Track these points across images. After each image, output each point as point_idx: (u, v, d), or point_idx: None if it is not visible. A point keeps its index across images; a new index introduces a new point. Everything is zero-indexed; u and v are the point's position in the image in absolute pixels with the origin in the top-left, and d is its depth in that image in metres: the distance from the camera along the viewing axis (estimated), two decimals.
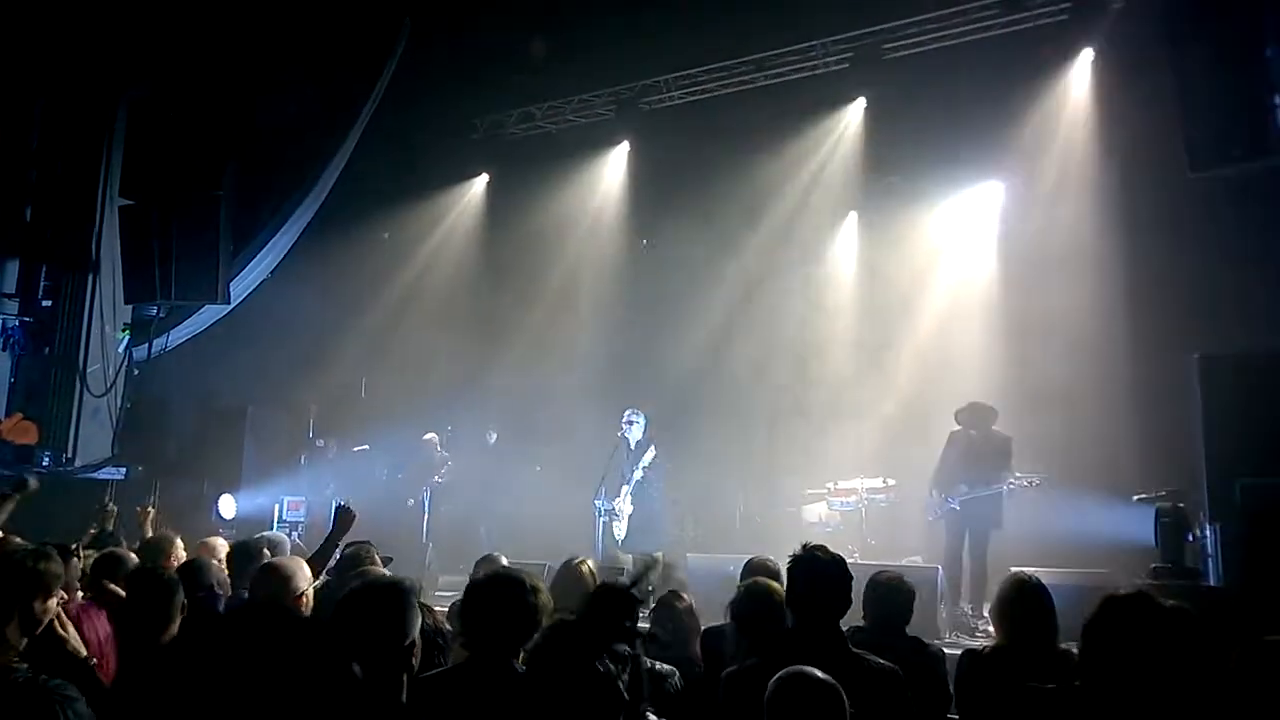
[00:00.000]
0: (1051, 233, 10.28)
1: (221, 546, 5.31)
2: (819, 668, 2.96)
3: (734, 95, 12.23)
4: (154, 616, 3.29)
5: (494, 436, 11.64)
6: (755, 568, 4.37)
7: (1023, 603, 3.64)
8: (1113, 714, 2.66)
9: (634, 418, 9.51)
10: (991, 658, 3.65)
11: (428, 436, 11.34)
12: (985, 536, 8.27)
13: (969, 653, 3.88)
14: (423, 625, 2.97)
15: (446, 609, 4.41)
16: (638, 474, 9.19)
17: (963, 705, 3.55)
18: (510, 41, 12.01)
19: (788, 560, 3.24)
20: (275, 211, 10.96)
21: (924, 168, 11.35)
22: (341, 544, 4.88)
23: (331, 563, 4.78)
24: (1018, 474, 8.33)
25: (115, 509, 7.45)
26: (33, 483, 5.40)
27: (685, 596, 4.41)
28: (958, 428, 8.84)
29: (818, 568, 3.16)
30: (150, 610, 3.30)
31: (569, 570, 4.55)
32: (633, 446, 9.44)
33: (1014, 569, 4.38)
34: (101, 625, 3.36)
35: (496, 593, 2.88)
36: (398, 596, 2.88)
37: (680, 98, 12.55)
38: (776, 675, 2.51)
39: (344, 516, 5.04)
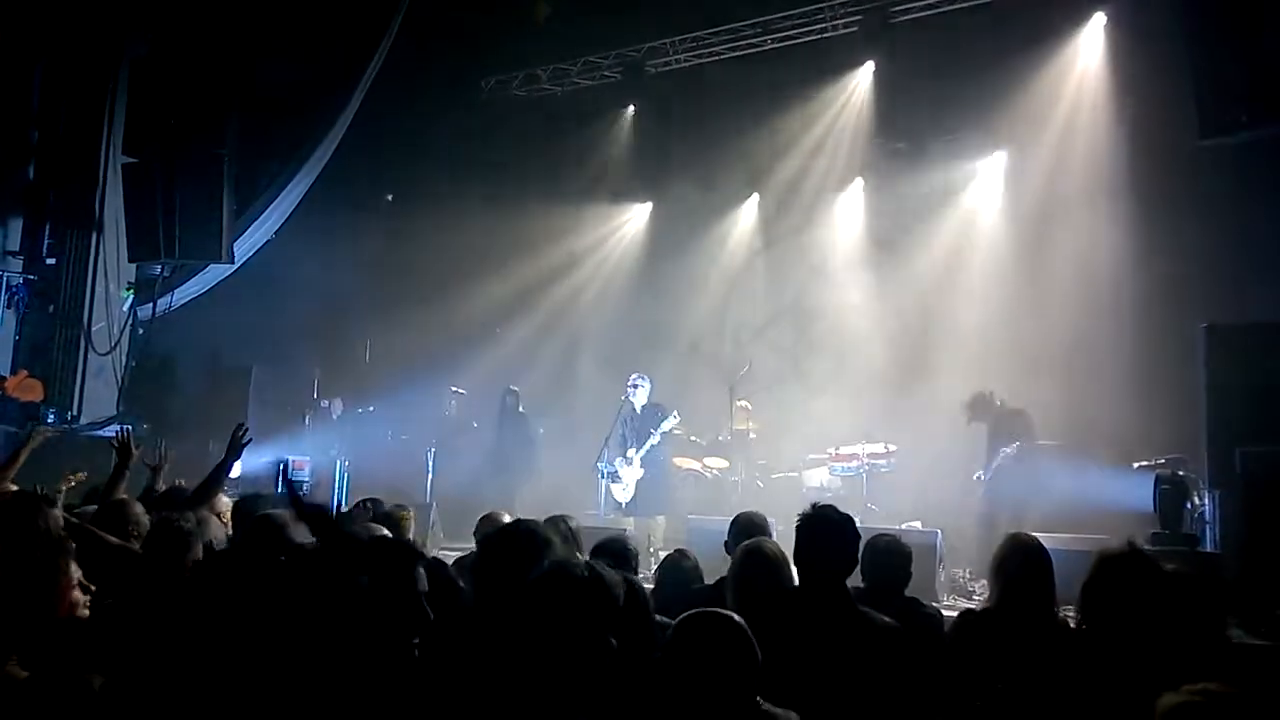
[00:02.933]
0: (1057, 200, 10.25)
1: (224, 504, 5.34)
2: (825, 625, 3.01)
3: (741, 59, 12.13)
4: (169, 566, 3.34)
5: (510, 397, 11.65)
6: (744, 523, 4.39)
7: (1019, 562, 3.63)
8: (1114, 667, 2.71)
9: (639, 382, 9.54)
10: (986, 617, 3.67)
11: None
12: (1015, 508, 8.38)
13: (966, 612, 3.91)
14: (439, 578, 3.02)
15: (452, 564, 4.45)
16: (655, 438, 9.24)
17: (955, 662, 3.58)
18: (515, 2, 11.89)
19: (796, 519, 3.27)
20: (279, 171, 10.91)
21: (931, 133, 11.28)
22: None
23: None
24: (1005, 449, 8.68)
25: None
26: (47, 432, 5.44)
27: (690, 555, 4.43)
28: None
29: (827, 526, 3.19)
30: (164, 560, 3.35)
31: (552, 526, 4.56)
32: (637, 410, 9.47)
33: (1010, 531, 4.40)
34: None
35: (511, 546, 2.90)
36: (406, 552, 2.90)
37: (686, 60, 12.44)
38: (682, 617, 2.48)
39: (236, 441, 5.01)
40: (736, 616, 2.43)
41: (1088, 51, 10.35)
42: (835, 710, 2.75)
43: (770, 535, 4.20)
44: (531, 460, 11.10)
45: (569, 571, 2.45)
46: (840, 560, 3.19)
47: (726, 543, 4.26)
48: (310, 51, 11.06)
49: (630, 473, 9.36)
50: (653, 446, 9.28)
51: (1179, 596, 3.17)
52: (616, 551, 3.91)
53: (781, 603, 3.21)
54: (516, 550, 2.79)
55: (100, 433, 10.13)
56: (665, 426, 9.29)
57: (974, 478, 9.14)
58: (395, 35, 10.97)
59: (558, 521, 4.19)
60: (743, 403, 10.93)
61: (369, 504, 5.09)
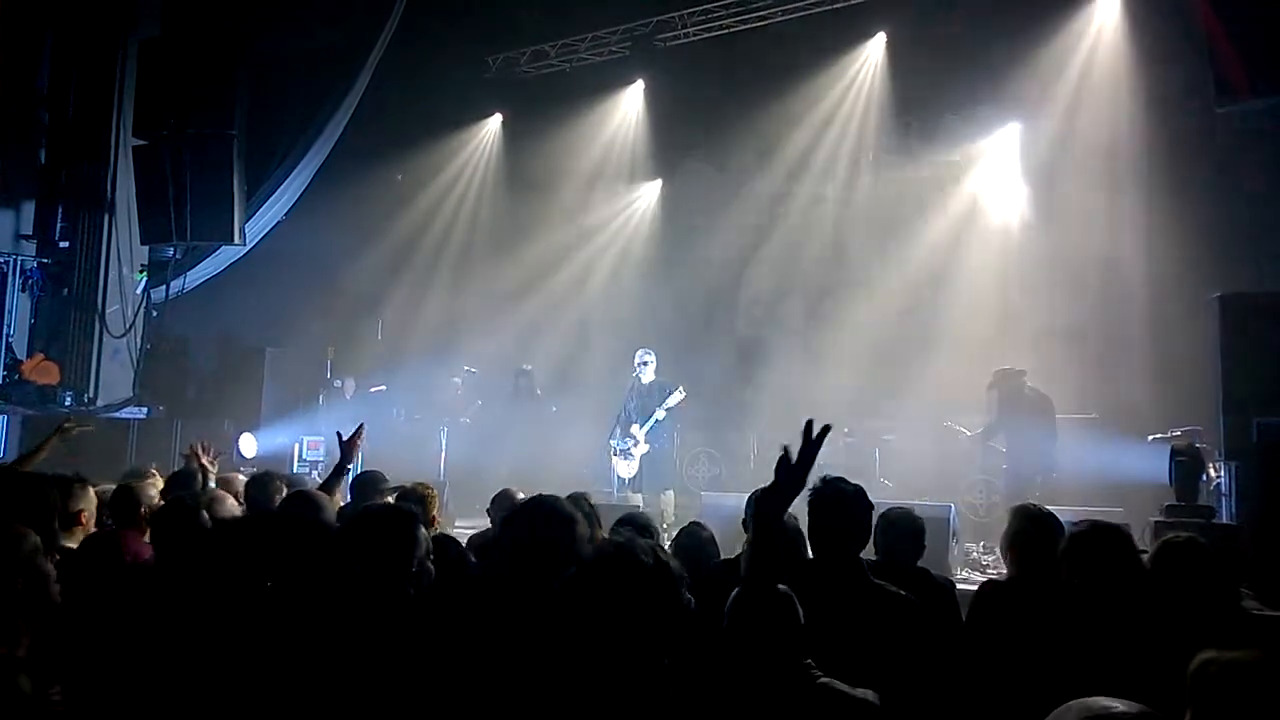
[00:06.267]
0: (1071, 170, 10.15)
1: (239, 481, 5.39)
2: (840, 598, 3.01)
3: (751, 32, 11.99)
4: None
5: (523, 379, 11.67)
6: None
7: (1030, 534, 3.63)
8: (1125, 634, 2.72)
9: (647, 358, 9.52)
10: (1006, 588, 3.66)
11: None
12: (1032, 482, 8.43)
13: (987, 583, 3.90)
14: (452, 553, 3.05)
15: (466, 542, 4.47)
16: (660, 414, 9.23)
17: (976, 632, 3.58)
18: None
19: (808, 493, 3.25)
20: (289, 152, 10.91)
21: (943, 106, 11.18)
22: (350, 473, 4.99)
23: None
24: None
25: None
26: (74, 429, 5.49)
27: (706, 526, 4.42)
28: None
29: (839, 499, 3.17)
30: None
31: (572, 503, 4.56)
32: (646, 385, 9.47)
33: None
34: (144, 549, 3.49)
35: (537, 519, 2.92)
36: (404, 523, 2.94)
37: (696, 34, 12.33)
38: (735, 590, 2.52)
39: (349, 444, 5.02)
40: (782, 587, 2.46)
41: (1102, 19, 10.19)
42: (851, 683, 2.76)
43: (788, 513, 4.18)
44: (542, 443, 11.12)
45: (635, 556, 2.25)
46: (854, 533, 3.18)
47: (745, 520, 4.25)
48: (318, 30, 11.02)
49: (637, 449, 9.37)
50: (658, 422, 9.25)
51: (1191, 564, 3.17)
52: (640, 526, 3.89)
53: (796, 576, 3.21)
54: (541, 525, 2.81)
55: (119, 415, 10.23)
56: (670, 402, 9.25)
57: (945, 425, 9.57)
58: (402, 12, 10.90)
59: (579, 500, 4.18)
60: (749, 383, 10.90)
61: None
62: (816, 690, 2.36)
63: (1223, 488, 7.13)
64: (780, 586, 2.47)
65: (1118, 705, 1.49)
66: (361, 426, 5.10)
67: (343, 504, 4.74)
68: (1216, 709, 1.76)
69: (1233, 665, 1.78)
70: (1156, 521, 6.29)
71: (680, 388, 9.34)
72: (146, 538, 3.65)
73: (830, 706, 2.35)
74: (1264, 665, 1.77)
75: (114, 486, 4.40)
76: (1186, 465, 6.93)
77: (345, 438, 5.03)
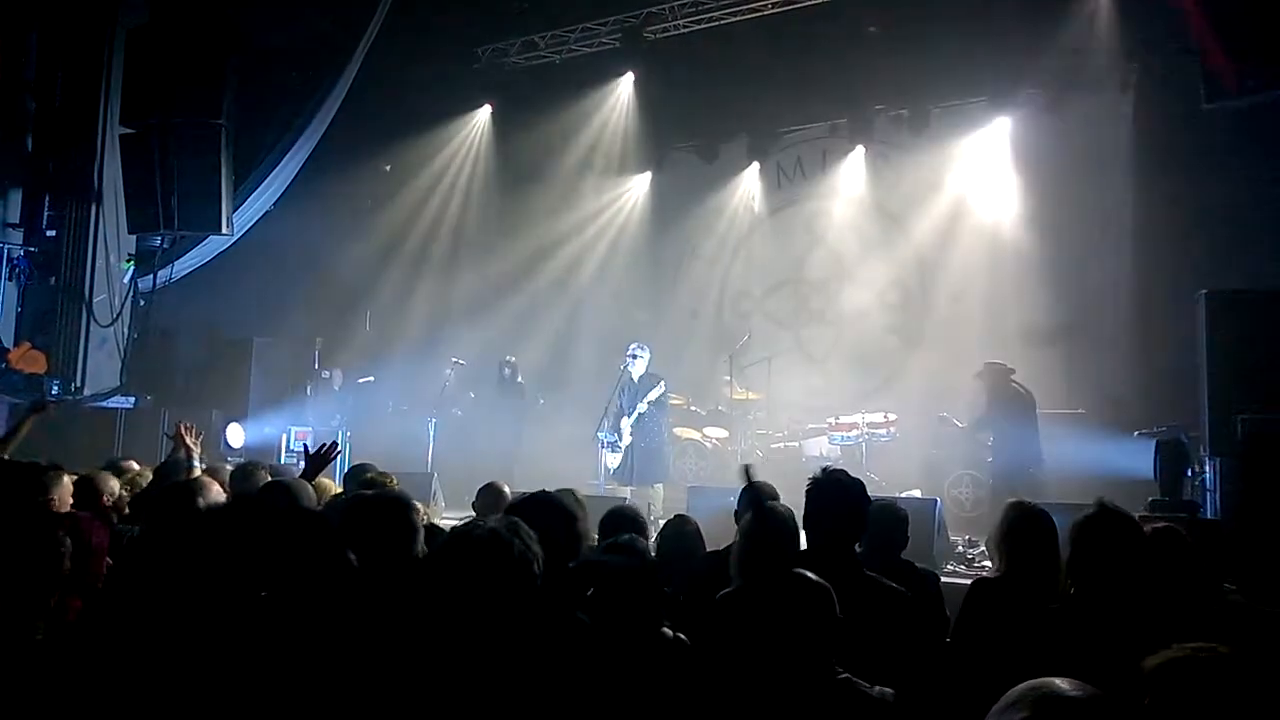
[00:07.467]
0: (1061, 165, 10.19)
1: (225, 470, 5.37)
2: (834, 589, 3.01)
3: (742, 24, 11.97)
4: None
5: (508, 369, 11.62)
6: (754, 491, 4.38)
7: (1024, 530, 3.62)
8: (1101, 626, 2.73)
9: (638, 352, 9.52)
10: (997, 585, 3.66)
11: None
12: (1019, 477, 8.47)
13: (980, 580, 3.89)
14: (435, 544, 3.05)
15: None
16: (642, 407, 9.24)
17: (969, 630, 3.57)
18: None
19: (807, 483, 3.25)
20: (277, 142, 10.84)
21: (934, 99, 11.21)
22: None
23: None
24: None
25: None
26: (51, 408, 5.46)
27: (691, 520, 4.43)
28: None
29: (838, 490, 3.18)
30: None
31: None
32: (635, 380, 9.48)
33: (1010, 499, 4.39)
34: (99, 535, 3.53)
35: (536, 516, 2.90)
36: (401, 511, 2.93)
37: (687, 26, 12.30)
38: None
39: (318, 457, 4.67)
40: (820, 579, 2.41)
41: (1092, 13, 10.21)
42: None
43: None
44: (523, 431, 11.12)
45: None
46: (850, 524, 3.18)
47: (736, 512, 4.26)
48: (307, 19, 10.96)
49: (624, 442, 9.38)
50: (642, 416, 9.24)
51: (1168, 551, 3.19)
52: (629, 520, 3.89)
53: (790, 565, 3.20)
54: (540, 520, 2.80)
55: (106, 404, 10.19)
56: (651, 396, 9.26)
57: (941, 416, 9.46)
58: (391, 2, 10.84)
59: (566, 495, 4.18)
60: (727, 378, 10.91)
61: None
62: (836, 686, 2.33)
63: (1207, 483, 7.18)
64: (820, 580, 2.40)
65: (1069, 688, 1.48)
66: (334, 446, 4.79)
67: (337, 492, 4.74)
68: (1174, 705, 1.76)
69: (1189, 662, 1.79)
70: (1140, 516, 6.31)
71: (661, 382, 9.35)
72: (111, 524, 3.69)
73: (849, 704, 2.32)
74: (1219, 661, 1.78)
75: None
76: (1171, 460, 6.99)
77: (313, 451, 4.67)
